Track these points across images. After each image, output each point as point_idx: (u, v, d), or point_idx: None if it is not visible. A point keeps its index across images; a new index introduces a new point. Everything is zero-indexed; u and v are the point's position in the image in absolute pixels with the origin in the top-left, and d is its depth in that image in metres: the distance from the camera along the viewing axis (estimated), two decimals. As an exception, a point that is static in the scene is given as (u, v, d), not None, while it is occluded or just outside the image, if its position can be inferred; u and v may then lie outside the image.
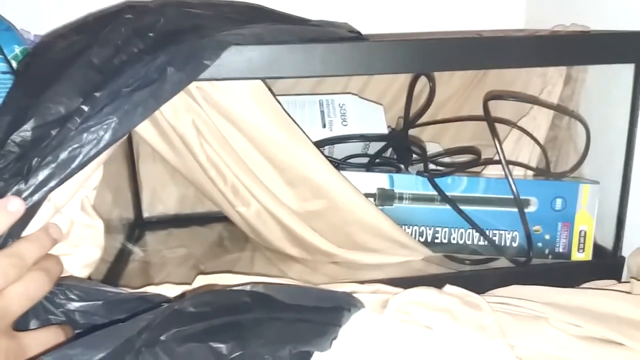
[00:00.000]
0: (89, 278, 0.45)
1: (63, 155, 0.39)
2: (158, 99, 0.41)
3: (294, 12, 0.63)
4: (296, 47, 0.44)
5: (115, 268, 0.56)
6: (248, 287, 0.40)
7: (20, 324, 0.38)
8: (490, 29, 0.71)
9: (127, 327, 0.32)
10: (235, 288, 0.40)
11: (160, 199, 0.70)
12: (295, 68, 0.44)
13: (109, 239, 0.56)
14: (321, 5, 0.69)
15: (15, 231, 0.39)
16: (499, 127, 0.57)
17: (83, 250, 0.44)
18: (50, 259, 0.40)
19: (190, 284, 0.47)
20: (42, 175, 0.39)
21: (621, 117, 0.53)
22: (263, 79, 0.46)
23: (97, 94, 0.40)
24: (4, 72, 0.50)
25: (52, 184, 0.39)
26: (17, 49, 0.55)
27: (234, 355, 0.36)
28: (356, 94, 0.64)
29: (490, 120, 0.52)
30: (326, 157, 0.52)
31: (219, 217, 0.66)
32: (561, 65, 0.57)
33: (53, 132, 0.39)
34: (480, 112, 0.66)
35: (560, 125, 0.62)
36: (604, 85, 0.57)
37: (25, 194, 0.38)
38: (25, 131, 0.39)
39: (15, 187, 0.38)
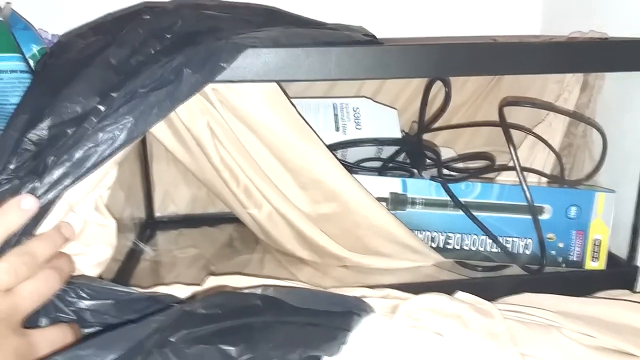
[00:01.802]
0: (100, 277, 0.45)
1: (78, 154, 0.39)
2: (174, 100, 0.41)
3: (309, 15, 0.63)
4: (312, 51, 0.44)
5: (126, 267, 0.56)
6: (259, 290, 0.40)
7: (31, 322, 0.38)
8: (506, 34, 0.71)
9: (139, 329, 0.33)
10: (245, 291, 0.40)
11: (172, 199, 0.70)
12: (311, 71, 0.44)
13: (120, 238, 0.56)
14: (336, 8, 0.68)
15: (29, 229, 0.39)
16: (513, 133, 0.56)
17: (95, 250, 0.44)
18: (61, 257, 0.40)
19: (200, 284, 0.47)
20: (57, 173, 0.39)
21: (638, 125, 0.52)
22: (278, 82, 0.46)
23: (114, 94, 0.40)
24: (22, 71, 0.51)
25: (66, 182, 0.39)
26: (35, 49, 0.55)
27: (243, 358, 0.36)
28: (370, 98, 0.63)
29: (505, 126, 0.52)
30: (339, 160, 0.52)
31: (230, 218, 0.66)
32: (578, 72, 0.56)
33: (69, 131, 0.39)
34: (493, 117, 0.65)
35: (576, 132, 0.61)
36: (621, 93, 0.56)
37: (39, 192, 0.39)
38: (42, 130, 0.39)
39: (31, 185, 0.39)
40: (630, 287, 0.54)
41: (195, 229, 0.69)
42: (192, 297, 0.44)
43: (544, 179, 0.58)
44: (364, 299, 0.46)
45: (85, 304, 0.40)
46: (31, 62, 0.53)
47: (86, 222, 0.43)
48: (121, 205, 0.58)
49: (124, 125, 0.40)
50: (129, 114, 0.40)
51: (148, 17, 0.44)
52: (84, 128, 0.39)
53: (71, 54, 0.43)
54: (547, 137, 0.58)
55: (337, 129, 0.59)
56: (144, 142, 0.68)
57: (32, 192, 0.39)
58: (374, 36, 0.56)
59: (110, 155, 0.40)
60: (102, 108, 0.40)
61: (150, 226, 0.69)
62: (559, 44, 0.50)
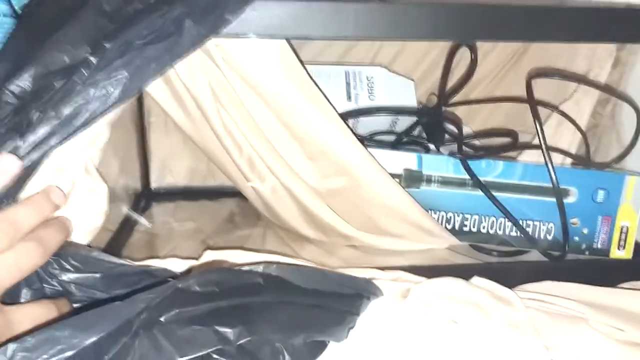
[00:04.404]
0: (89, 246, 0.42)
1: (67, 110, 0.35)
2: (173, 55, 0.37)
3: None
4: (327, 5, 0.40)
5: (118, 238, 0.53)
6: (260, 268, 0.36)
7: (11, 294, 0.34)
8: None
9: (124, 307, 0.29)
10: (246, 268, 0.36)
11: (170, 170, 0.67)
12: (325, 28, 0.40)
13: (113, 208, 0.53)
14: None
15: (10, 193, 0.35)
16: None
17: (84, 216, 0.41)
18: (49, 226, 0.36)
19: (197, 258, 0.44)
20: (42, 131, 0.35)
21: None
22: (289, 39, 0.42)
23: (107, 45, 0.36)
24: (4, 15, 0.46)
25: (53, 142, 0.35)
26: (27, -4, 0.51)
27: (241, 342, 0.32)
28: (385, 67, 0.59)
29: (533, 101, 0.48)
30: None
31: (231, 192, 0.63)
32: (626, 43, 0.51)
33: (56, 84, 0.35)
34: (515, 92, 0.61)
35: (603, 113, 0.58)
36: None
37: (22, 152, 0.35)
38: (25, 80, 0.35)
39: (12, 144, 0.35)
40: (658, 278, 0.50)
41: (194, 202, 0.65)
42: (187, 273, 0.40)
43: (568, 160, 0.54)
44: (373, 281, 0.43)
45: (69, 277, 0.36)
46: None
47: (74, 185, 0.40)
48: (115, 173, 0.54)
49: (119, 81, 0.36)
50: (124, 68, 0.36)
51: (148, -39, 0.40)
52: (73, 81, 0.35)
53: (60, -2, 0.39)
54: (574, 115, 0.54)
55: (349, 99, 0.55)
56: (141, 107, 0.64)
57: (14, 151, 0.35)
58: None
59: (103, 113, 0.36)
60: (93, 60, 0.36)
61: (145, 197, 0.65)
62: (609, 9, 0.45)
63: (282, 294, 0.36)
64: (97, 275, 0.36)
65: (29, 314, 0.33)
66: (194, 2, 0.38)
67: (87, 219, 0.40)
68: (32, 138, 0.35)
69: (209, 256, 0.43)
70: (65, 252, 0.37)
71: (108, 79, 0.36)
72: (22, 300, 0.36)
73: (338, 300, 0.39)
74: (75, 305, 0.37)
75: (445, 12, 0.41)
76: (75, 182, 0.39)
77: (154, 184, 0.67)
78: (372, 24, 0.40)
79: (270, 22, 0.39)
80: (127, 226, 0.56)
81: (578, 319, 0.42)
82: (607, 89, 0.52)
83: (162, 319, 0.31)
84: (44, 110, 0.35)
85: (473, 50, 0.46)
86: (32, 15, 0.39)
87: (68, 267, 0.36)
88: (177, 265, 0.42)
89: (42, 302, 0.34)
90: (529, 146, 0.53)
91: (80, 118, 0.35)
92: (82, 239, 0.40)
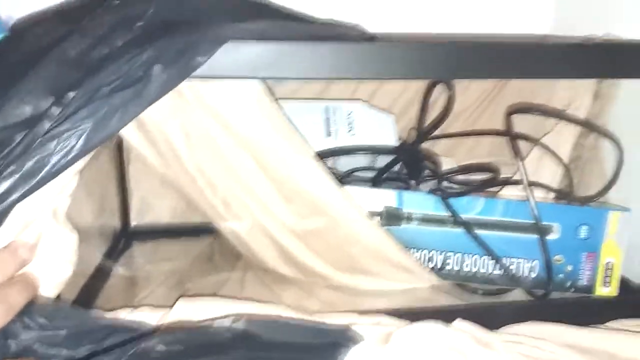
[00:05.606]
0: (58, 297, 0.40)
1: (28, 164, 0.34)
2: (141, 101, 0.36)
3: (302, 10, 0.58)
4: (302, 45, 0.39)
5: (94, 282, 0.51)
6: (228, 322, 0.35)
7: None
8: (515, 33, 0.66)
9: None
10: (213, 324, 0.35)
11: (151, 207, 0.65)
12: (300, 69, 0.39)
13: (89, 249, 0.51)
14: (331, 3, 0.63)
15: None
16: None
17: (52, 268, 0.39)
18: (15, 285, 0.35)
19: (171, 306, 0.42)
20: (3, 186, 0.34)
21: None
22: (263, 80, 0.41)
23: (72, 94, 0.35)
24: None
25: (14, 196, 0.34)
26: (-3, 38, 0.50)
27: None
28: (365, 101, 0.58)
29: (513, 135, 0.47)
30: (329, 169, 0.47)
31: (213, 229, 0.61)
32: (605, 78, 0.51)
33: (17, 137, 0.34)
34: (497, 125, 0.61)
35: (585, 144, 0.57)
36: (637, 103, 0.52)
37: (-18, 208, 0.34)
38: (-16, 134, 0.34)
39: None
40: (646, 315, 0.49)
41: (175, 240, 0.64)
42: (157, 327, 0.38)
43: (550, 195, 0.54)
44: (353, 327, 0.42)
45: (34, 335, 0.35)
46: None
47: (41, 236, 0.38)
48: (92, 211, 0.53)
49: (82, 132, 0.35)
50: (88, 118, 0.35)
51: (118, 1, 0.39)
52: (34, 134, 0.34)
53: (25, 43, 0.38)
54: (555, 147, 0.53)
55: (328, 134, 0.54)
56: (120, 144, 0.62)
57: (-27, 207, 0.34)
58: (371, 36, 0.51)
59: (66, 165, 0.35)
60: (56, 111, 0.35)
61: (125, 236, 0.63)
62: (586, 46, 0.45)
63: (251, 351, 0.34)
64: (63, 332, 0.35)
65: None
66: (163, 45, 0.37)
67: (55, 270, 0.39)
68: (-8, 193, 0.34)
69: (181, 304, 0.42)
70: (30, 309, 0.35)
71: (71, 129, 0.35)
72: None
73: (314, 352, 0.37)
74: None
75: (422, 51, 0.40)
76: (42, 232, 0.38)
77: (134, 221, 0.65)
78: (348, 64, 0.39)
79: (243, 64, 0.38)
80: (104, 269, 0.54)
81: (562, 364, 0.40)
82: (588, 125, 0.52)
83: (125, 382, 0.29)
84: (5, 164, 0.34)
85: (450, 87, 0.45)
86: (-4, 62, 0.38)
87: (32, 325, 0.35)
88: (149, 317, 0.40)
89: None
90: (510, 182, 0.52)
91: (42, 171, 0.34)
92: (49, 292, 0.39)
